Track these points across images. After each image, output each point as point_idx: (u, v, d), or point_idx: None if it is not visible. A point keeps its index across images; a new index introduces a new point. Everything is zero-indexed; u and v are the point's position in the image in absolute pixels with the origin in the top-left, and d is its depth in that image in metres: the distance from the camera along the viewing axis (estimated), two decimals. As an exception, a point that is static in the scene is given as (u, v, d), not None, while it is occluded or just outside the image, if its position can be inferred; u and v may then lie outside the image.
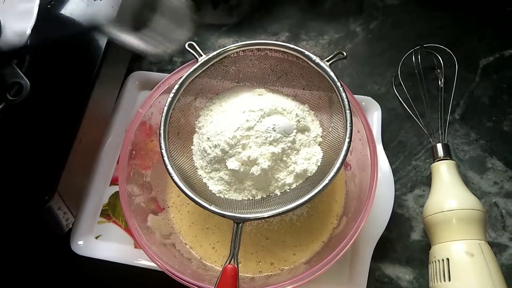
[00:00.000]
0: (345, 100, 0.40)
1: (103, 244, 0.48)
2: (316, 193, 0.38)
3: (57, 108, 0.45)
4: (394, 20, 0.59)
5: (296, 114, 0.43)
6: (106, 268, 0.47)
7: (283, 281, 0.38)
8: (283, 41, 0.50)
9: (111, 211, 0.50)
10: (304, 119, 0.43)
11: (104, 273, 0.48)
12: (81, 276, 0.49)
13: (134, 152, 0.46)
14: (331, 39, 0.59)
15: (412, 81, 0.54)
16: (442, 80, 0.53)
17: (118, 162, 0.51)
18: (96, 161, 0.51)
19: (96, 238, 0.48)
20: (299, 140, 0.42)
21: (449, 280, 0.40)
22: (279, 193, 0.41)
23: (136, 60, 0.58)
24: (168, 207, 0.48)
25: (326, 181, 0.38)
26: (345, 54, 0.42)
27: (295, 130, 0.42)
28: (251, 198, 0.41)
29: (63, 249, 0.47)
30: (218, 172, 0.42)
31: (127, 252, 0.47)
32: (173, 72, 0.46)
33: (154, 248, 0.41)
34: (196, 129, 0.45)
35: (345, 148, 0.39)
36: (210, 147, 0.41)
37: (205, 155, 0.42)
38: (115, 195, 0.51)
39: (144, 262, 0.46)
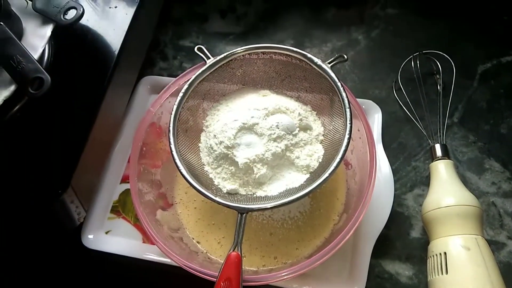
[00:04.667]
0: (345, 99, 0.42)
1: (113, 238, 0.50)
2: (317, 186, 0.39)
3: (73, 109, 0.48)
4: (394, 28, 0.62)
5: (299, 113, 0.45)
6: (114, 262, 0.49)
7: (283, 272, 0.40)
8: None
9: (121, 207, 0.52)
10: (307, 118, 0.45)
11: (113, 266, 0.50)
12: (91, 269, 0.51)
13: (144, 149, 0.48)
14: (334, 46, 0.61)
15: (411, 86, 0.56)
16: (441, 85, 0.55)
17: (128, 161, 0.53)
18: (108, 160, 0.54)
19: (106, 233, 0.50)
20: (302, 137, 0.44)
21: (446, 273, 0.41)
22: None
23: (147, 65, 0.61)
24: (176, 203, 0.50)
25: (326, 174, 0.40)
26: (346, 57, 0.44)
27: (298, 128, 0.44)
28: (255, 192, 0.43)
29: (74, 242, 0.49)
30: (223, 168, 0.44)
31: (135, 246, 0.49)
32: (183, 73, 0.49)
33: (162, 240, 0.43)
34: (203, 128, 0.47)
35: (345, 143, 0.40)
36: (216, 144, 0.44)
37: (212, 151, 0.44)
38: (126, 193, 0.53)
39: (152, 256, 0.48)
